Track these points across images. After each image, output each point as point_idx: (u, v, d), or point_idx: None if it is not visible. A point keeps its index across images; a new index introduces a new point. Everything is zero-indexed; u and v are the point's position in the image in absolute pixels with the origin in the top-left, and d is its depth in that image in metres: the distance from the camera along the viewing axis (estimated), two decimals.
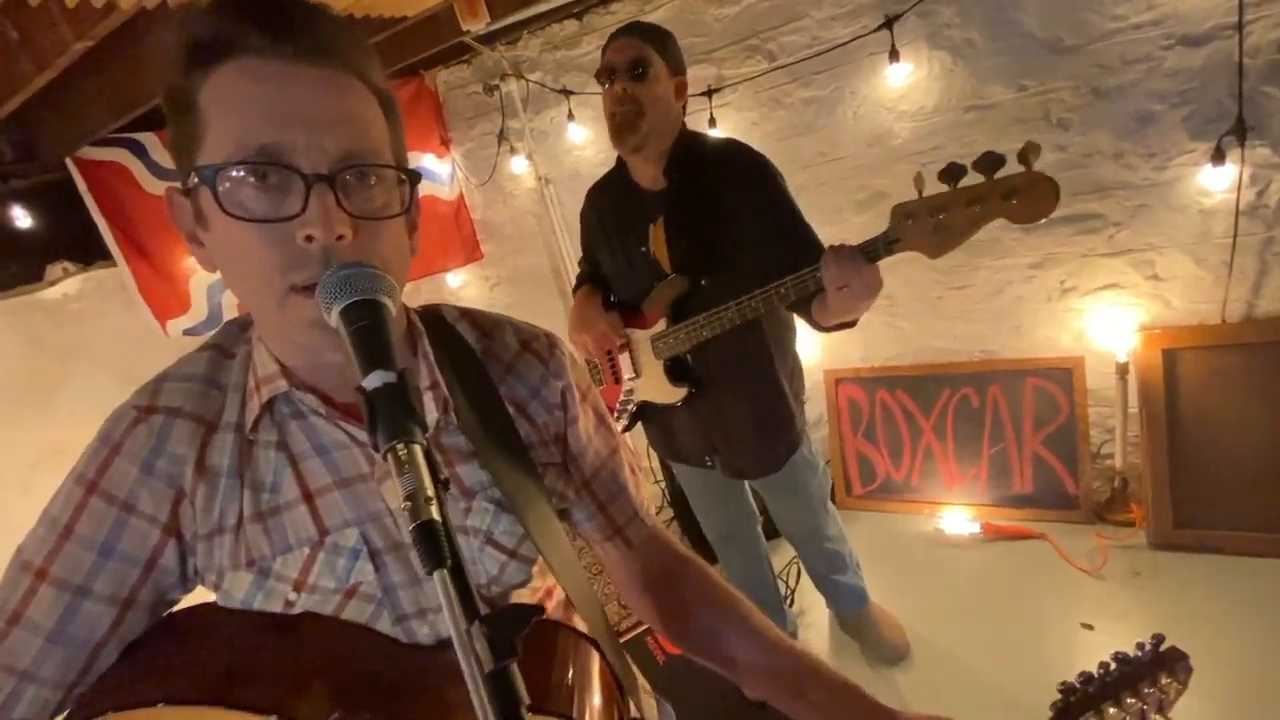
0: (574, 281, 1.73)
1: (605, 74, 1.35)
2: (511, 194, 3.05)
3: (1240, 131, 1.82)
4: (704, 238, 1.38)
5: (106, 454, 0.57)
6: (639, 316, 1.50)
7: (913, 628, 2.06)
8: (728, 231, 1.36)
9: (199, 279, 2.74)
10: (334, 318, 0.46)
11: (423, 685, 0.56)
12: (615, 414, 1.64)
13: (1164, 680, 0.64)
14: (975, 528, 2.40)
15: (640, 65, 1.31)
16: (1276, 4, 1.71)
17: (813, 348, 2.60)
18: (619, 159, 1.49)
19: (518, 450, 0.65)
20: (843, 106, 2.26)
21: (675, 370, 1.48)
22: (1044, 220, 1.03)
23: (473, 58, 2.83)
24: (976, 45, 2.02)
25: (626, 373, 1.57)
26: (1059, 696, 0.64)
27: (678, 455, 1.70)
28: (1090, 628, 1.94)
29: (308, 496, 0.59)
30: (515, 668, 0.35)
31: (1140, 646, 0.66)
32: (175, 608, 0.61)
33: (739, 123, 2.43)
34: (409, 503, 0.37)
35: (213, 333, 0.65)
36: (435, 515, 0.37)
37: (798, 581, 2.36)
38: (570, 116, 2.69)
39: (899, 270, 2.37)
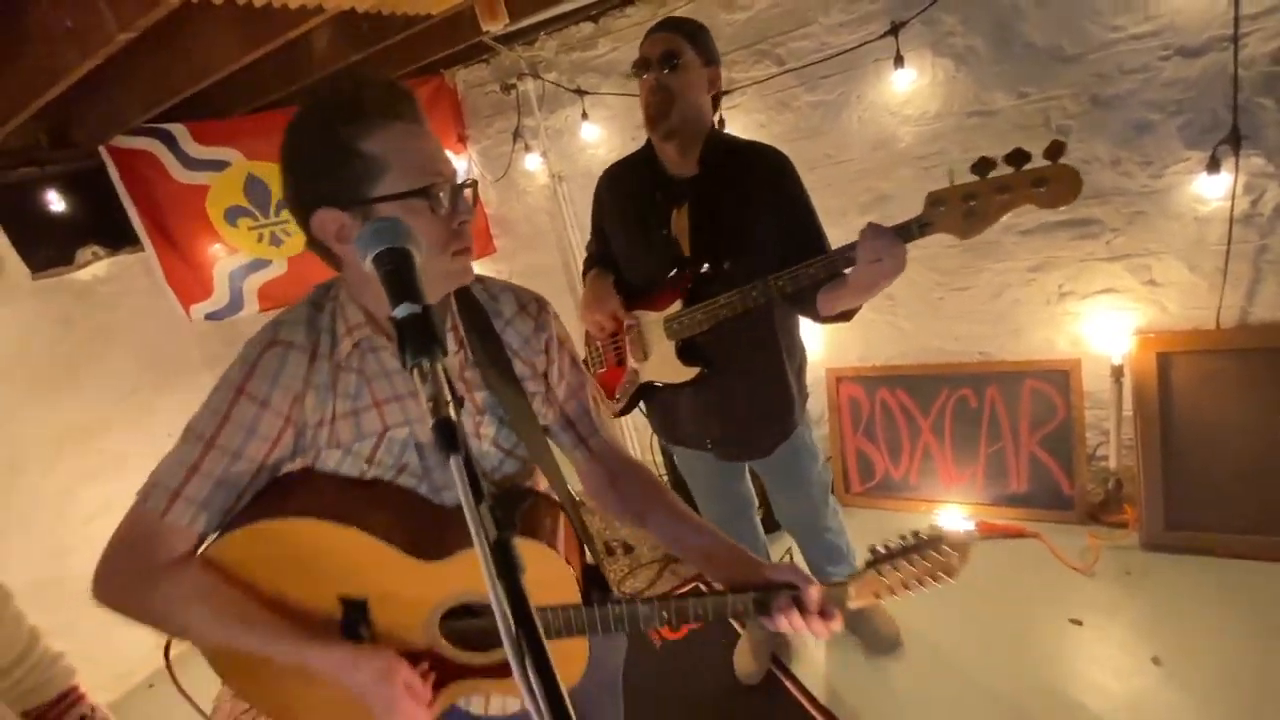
0: (582, 262, 1.78)
1: (640, 66, 1.42)
2: (525, 190, 3.13)
3: (1235, 141, 1.86)
4: (728, 224, 1.45)
5: (248, 370, 0.84)
6: (648, 298, 1.54)
7: (906, 621, 2.10)
8: (753, 221, 1.44)
9: (222, 265, 2.84)
10: (368, 264, 0.58)
11: (447, 527, 0.88)
12: (616, 396, 1.70)
13: (945, 550, 0.86)
14: (970, 525, 2.44)
15: (672, 57, 1.39)
16: (1271, 17, 1.76)
17: (815, 345, 2.65)
18: (648, 143, 1.55)
19: (514, 382, 0.94)
20: (848, 111, 2.32)
21: (687, 351, 1.53)
22: (1063, 208, 1.15)
23: (491, 58, 2.92)
24: (979, 53, 2.08)
25: (633, 356, 1.62)
26: (870, 555, 0.88)
27: (678, 437, 1.75)
28: (1079, 623, 1.99)
29: (377, 404, 0.88)
30: (513, 537, 0.43)
31: (931, 528, 0.88)
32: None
33: (747, 124, 2.50)
34: (430, 404, 0.47)
35: (310, 293, 0.91)
36: (451, 414, 0.47)
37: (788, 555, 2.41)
38: (584, 115, 2.76)
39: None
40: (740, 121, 2.50)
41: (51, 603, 2.56)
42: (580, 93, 2.76)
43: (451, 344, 0.91)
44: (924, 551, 0.85)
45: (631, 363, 1.62)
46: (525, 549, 0.72)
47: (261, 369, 0.83)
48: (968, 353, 2.51)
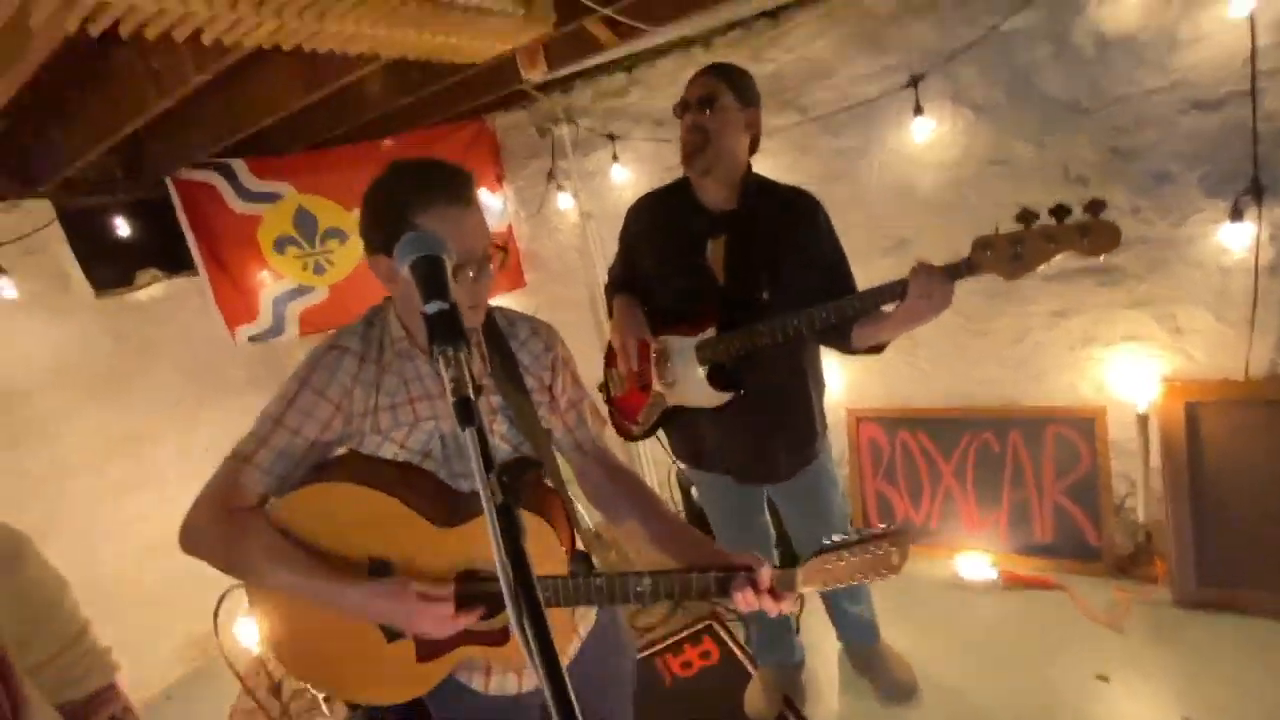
0: (606, 283, 1.83)
1: (680, 107, 1.53)
2: (557, 228, 3.26)
3: (1257, 192, 1.88)
4: (765, 257, 1.52)
5: (312, 366, 1.05)
6: (678, 323, 1.60)
7: (924, 669, 2.05)
8: (788, 256, 1.52)
9: (268, 291, 3.00)
10: (405, 270, 0.67)
11: (462, 503, 1.07)
12: (639, 420, 1.74)
13: (886, 546, 0.96)
14: (993, 574, 2.38)
15: (710, 100, 1.48)
16: None
17: (835, 384, 2.67)
18: (685, 177, 1.63)
19: (524, 391, 1.13)
20: (869, 157, 2.40)
21: (718, 376, 1.57)
22: (1100, 258, 1.25)
23: (530, 104, 3.09)
24: (998, 103, 2.15)
25: (659, 379, 1.66)
26: (817, 546, 0.97)
27: (699, 460, 1.77)
28: (1106, 680, 1.91)
29: (411, 400, 1.07)
30: (517, 506, 0.48)
31: (880, 527, 0.98)
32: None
33: (772, 169, 2.54)
34: (453, 384, 0.55)
35: (365, 313, 1.12)
36: (470, 394, 0.54)
37: (800, 608, 2.38)
38: (615, 159, 2.90)
39: None
40: (764, 165, 2.55)
41: (82, 606, 2.67)
42: (612, 137, 2.89)
43: (476, 356, 1.09)
44: (866, 546, 0.96)
45: (657, 386, 1.66)
46: (524, 519, 0.84)
47: (322, 367, 1.05)
48: (990, 396, 2.50)
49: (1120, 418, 2.24)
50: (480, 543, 1.01)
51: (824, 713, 2.00)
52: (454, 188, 0.96)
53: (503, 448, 1.13)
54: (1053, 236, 1.20)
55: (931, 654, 2.13)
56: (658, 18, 2.16)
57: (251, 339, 2.97)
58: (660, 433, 1.80)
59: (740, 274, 1.53)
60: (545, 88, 2.92)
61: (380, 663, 1.07)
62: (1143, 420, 2.15)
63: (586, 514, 2.13)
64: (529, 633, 0.42)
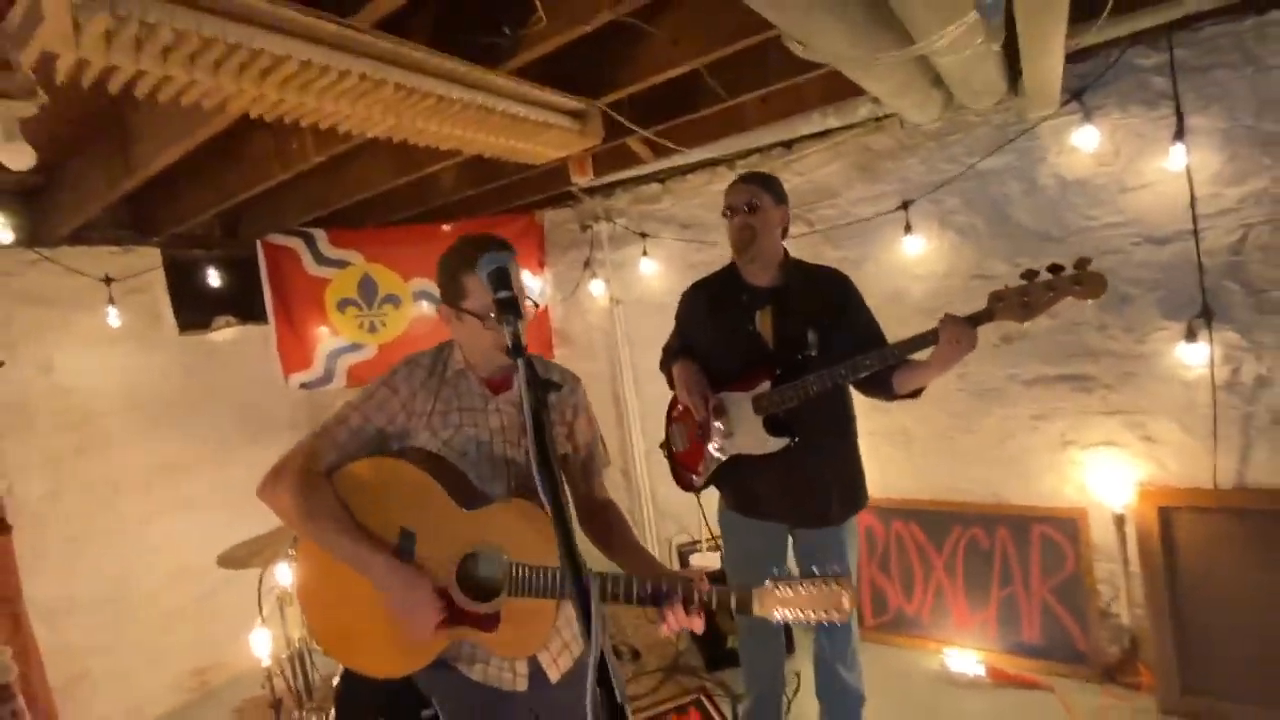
0: (662, 359, 2.11)
1: (729, 211, 1.84)
2: (588, 310, 3.61)
3: (1206, 317, 2.12)
4: (806, 321, 1.81)
5: (392, 373, 1.34)
6: (734, 382, 1.85)
7: None
8: (826, 318, 1.81)
9: (324, 345, 3.34)
10: (484, 277, 1.04)
11: (483, 495, 1.30)
12: (699, 470, 1.94)
13: (837, 588, 1.08)
14: (980, 670, 2.41)
15: (753, 204, 1.82)
16: (1224, 217, 2.09)
17: None
18: (731, 264, 1.97)
19: (546, 428, 1.26)
20: (866, 266, 2.72)
21: (773, 425, 1.80)
22: (1091, 302, 1.56)
23: (575, 203, 3.55)
24: (978, 228, 2.47)
25: (719, 433, 1.87)
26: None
27: (755, 509, 1.91)
28: None
29: (460, 409, 1.33)
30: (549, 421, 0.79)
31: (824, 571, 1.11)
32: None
33: None
34: (513, 339, 0.93)
35: (436, 345, 1.40)
36: (524, 341, 0.88)
37: (795, 693, 2.41)
38: (644, 253, 3.28)
39: (916, 410, 2.64)
40: None
41: (106, 623, 2.82)
42: (644, 235, 3.30)
43: (516, 390, 1.34)
44: (819, 583, 1.09)
45: (716, 440, 1.88)
46: (522, 509, 1.22)
47: (399, 374, 1.34)
48: (980, 493, 2.64)
49: (1101, 519, 2.36)
50: (489, 526, 1.23)
51: None
52: (501, 244, 1.19)
53: (525, 460, 1.33)
54: (1052, 286, 1.48)
55: None
56: (689, 141, 2.59)
57: (303, 385, 3.28)
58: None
59: (787, 336, 1.80)
60: (590, 191, 3.38)
61: (381, 633, 1.24)
62: (1119, 520, 2.27)
63: None
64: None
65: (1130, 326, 2.26)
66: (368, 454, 1.30)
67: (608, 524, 1.40)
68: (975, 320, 1.55)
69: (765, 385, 1.78)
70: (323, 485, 1.25)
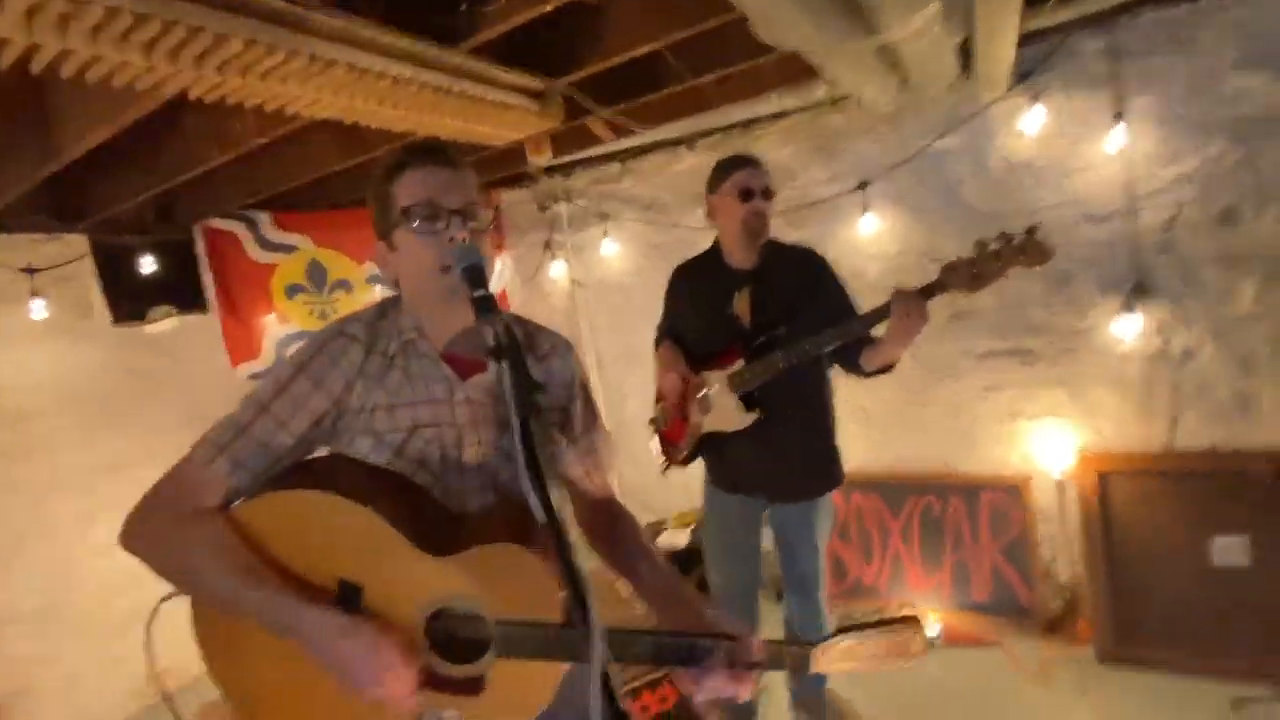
0: (655, 338, 2.13)
1: (746, 194, 1.80)
2: (549, 293, 3.57)
3: (1140, 292, 2.25)
4: (781, 301, 1.83)
5: (314, 352, 0.97)
6: (713, 361, 1.88)
7: None
8: (799, 297, 1.83)
9: (272, 333, 3.21)
10: (456, 271, 0.87)
11: (454, 530, 0.94)
12: (682, 446, 1.98)
13: (909, 632, 0.93)
14: (935, 632, 2.54)
15: (768, 191, 1.83)
16: (1158, 196, 2.20)
17: None
18: (715, 247, 1.97)
19: (536, 411, 1.03)
20: (824, 245, 2.73)
21: (747, 402, 1.84)
22: (1038, 268, 1.55)
23: (533, 183, 3.48)
24: (930, 209, 2.55)
25: (697, 410, 1.92)
26: (839, 626, 0.95)
27: (736, 485, 1.97)
28: None
29: (413, 403, 0.98)
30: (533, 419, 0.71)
31: (895, 612, 0.99)
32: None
33: None
34: (493, 339, 0.78)
35: (379, 301, 1.05)
36: (505, 341, 0.77)
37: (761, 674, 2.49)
38: (605, 234, 3.25)
39: (872, 387, 2.72)
40: None
41: (48, 631, 2.68)
42: (604, 217, 3.26)
43: (492, 367, 0.91)
44: (889, 630, 0.91)
45: (695, 416, 1.93)
46: (510, 556, 0.87)
47: (324, 354, 0.95)
48: (933, 462, 2.75)
49: (1044, 484, 2.50)
50: (466, 579, 0.88)
51: None
52: (424, 152, 0.96)
53: (506, 468, 1.02)
54: (1000, 255, 1.52)
55: (875, 707, 2.25)
56: (650, 121, 2.56)
57: (251, 376, 3.15)
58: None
59: (763, 316, 1.83)
60: (548, 171, 3.32)
61: (333, 707, 0.88)
62: (1061, 487, 2.41)
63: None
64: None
65: (1071, 301, 2.37)
66: (279, 475, 0.93)
67: (617, 535, 1.13)
68: (926, 293, 1.58)
69: (739, 364, 1.82)
70: (213, 528, 0.88)
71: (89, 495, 2.78)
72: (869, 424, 2.89)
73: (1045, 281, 2.39)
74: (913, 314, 1.56)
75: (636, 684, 2.60)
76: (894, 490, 2.81)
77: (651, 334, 2.14)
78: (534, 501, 0.70)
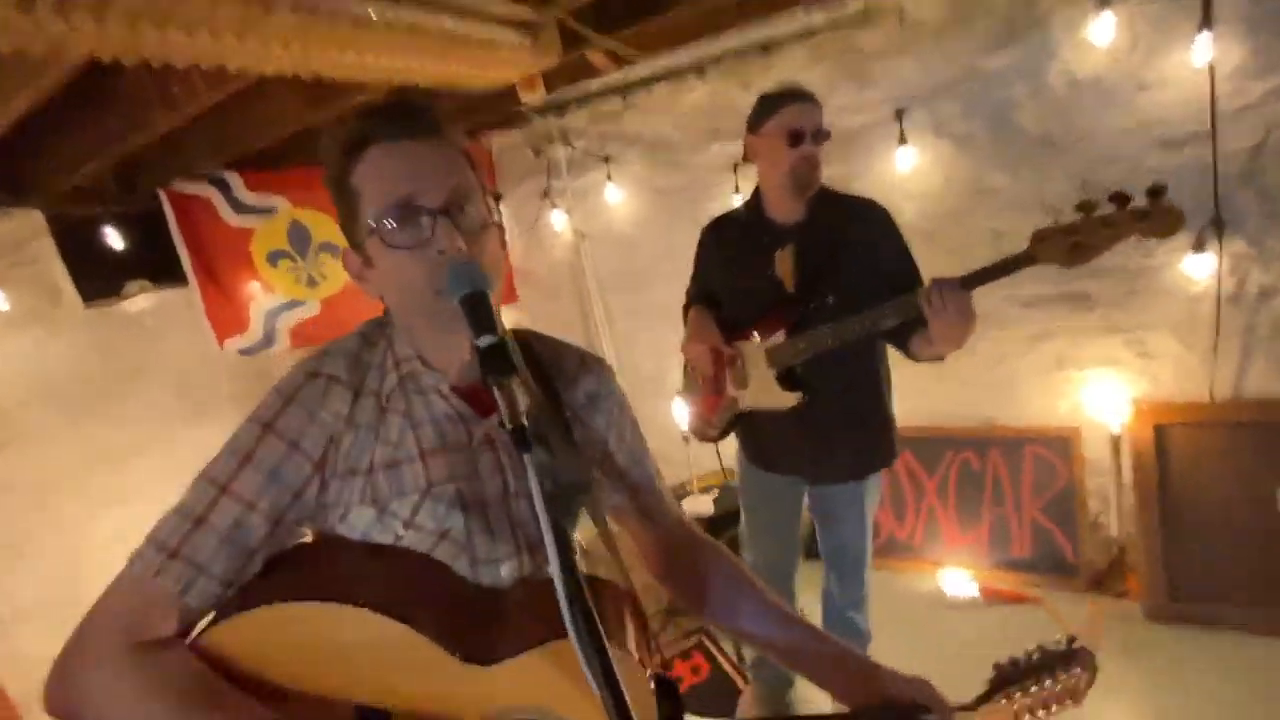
0: (685, 302, 1.89)
1: (792, 135, 1.50)
2: (549, 246, 3.31)
3: (1218, 225, 2.00)
4: (831, 265, 1.58)
5: (281, 404, 0.73)
6: (750, 331, 1.65)
7: None
8: (853, 262, 1.57)
9: (259, 303, 2.99)
10: (455, 301, 0.65)
11: (494, 621, 0.74)
12: (713, 422, 1.79)
13: (1074, 671, 0.80)
14: (974, 590, 2.45)
15: (821, 133, 1.53)
16: (1245, 116, 1.92)
17: None
18: (755, 194, 1.69)
19: (571, 443, 0.83)
20: (854, 184, 2.48)
21: (787, 379, 1.63)
22: (1156, 240, 1.33)
23: (525, 124, 3.15)
24: (977, 138, 2.26)
25: (732, 384, 1.72)
26: (993, 673, 0.81)
27: (771, 463, 1.80)
28: None
29: (422, 455, 0.75)
30: (569, 526, 0.52)
31: (1057, 642, 0.82)
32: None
33: None
34: (509, 411, 0.56)
35: (361, 325, 0.82)
36: (525, 423, 0.56)
37: None
38: (609, 179, 2.96)
39: None
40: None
41: (61, 629, 2.62)
42: (606, 159, 2.96)
43: (521, 394, 0.76)
44: (1052, 672, 0.80)
45: (730, 391, 1.73)
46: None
47: (298, 404, 0.72)
48: (972, 417, 2.58)
49: (1093, 437, 2.34)
50: (522, 688, 0.69)
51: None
52: (389, 119, 0.71)
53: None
54: (1111, 223, 1.24)
55: (913, 666, 2.17)
56: (654, 47, 2.25)
57: (241, 352, 2.96)
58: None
59: (808, 280, 1.59)
60: (541, 110, 2.99)
61: None
62: (1115, 441, 2.25)
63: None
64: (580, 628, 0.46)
65: (1138, 241, 2.12)
66: (256, 580, 0.71)
67: (725, 584, 0.89)
68: (1008, 267, 1.31)
69: (780, 336, 1.59)
70: (175, 666, 0.64)
71: (87, 489, 2.66)
72: (902, 377, 2.68)
73: None
74: (949, 305, 1.29)
75: (667, 654, 2.55)
76: (930, 446, 2.66)
77: (662, 286, 1.91)
78: (541, 512, 0.54)
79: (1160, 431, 2.20)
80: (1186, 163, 2.00)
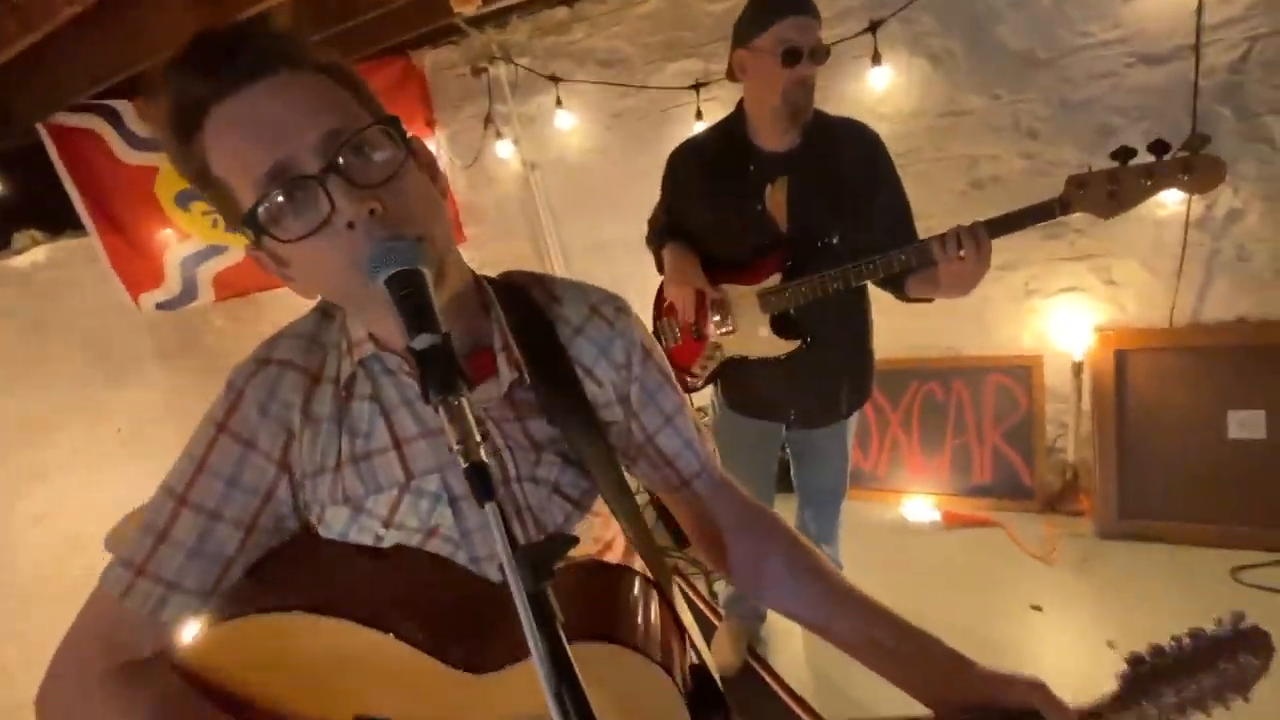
0: (649, 235, 1.72)
1: (790, 56, 1.32)
2: (496, 178, 3.06)
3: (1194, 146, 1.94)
4: (830, 200, 1.44)
5: (233, 399, 0.64)
6: (738, 272, 1.52)
7: None
8: (853, 196, 1.44)
9: (173, 252, 2.70)
10: (379, 286, 0.52)
11: (497, 621, 0.63)
12: (695, 371, 1.68)
13: (1242, 658, 0.62)
14: (936, 515, 2.52)
15: (821, 51, 1.34)
16: (1232, 28, 1.83)
17: None
18: (734, 116, 1.51)
19: (584, 408, 0.71)
20: (825, 107, 2.32)
21: (782, 325, 1.52)
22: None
23: (461, 39, 2.82)
24: (955, 54, 2.11)
25: (719, 329, 1.59)
26: (1126, 668, 0.63)
27: (760, 411, 1.72)
28: (1039, 609, 2.07)
29: (397, 444, 0.66)
30: (550, 590, 0.41)
31: (1218, 622, 0.64)
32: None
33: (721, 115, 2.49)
34: (460, 446, 0.43)
35: (320, 300, 0.70)
36: (484, 458, 0.43)
37: None
38: (558, 103, 2.71)
39: None
40: (717, 114, 2.47)
41: (1, 608, 2.46)
42: (554, 79, 2.69)
43: (505, 367, 0.68)
44: (1213, 664, 0.61)
45: (714, 337, 1.61)
46: (598, 654, 0.56)
47: (249, 397, 0.64)
48: (936, 347, 2.57)
49: (1055, 365, 2.36)
50: (530, 693, 0.59)
51: (788, 659, 2.10)
52: (212, 72, 0.53)
53: (555, 507, 0.70)
54: (1151, 174, 1.17)
55: (879, 592, 2.24)
56: None
57: (159, 306, 2.69)
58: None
59: (805, 218, 1.45)
60: (478, 22, 2.67)
61: None
62: (1077, 368, 2.27)
63: None
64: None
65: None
66: (240, 578, 0.64)
67: (778, 559, 0.75)
68: (1042, 213, 1.24)
69: (775, 278, 1.47)
70: (144, 681, 0.60)
71: (3, 465, 2.43)
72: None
73: (1082, 139, 2.06)
74: (971, 255, 1.22)
75: None
76: (893, 377, 2.65)
77: (620, 218, 1.75)
78: (509, 571, 0.42)
79: (1120, 357, 2.22)
80: (1167, 80, 1.92)
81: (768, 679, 2.03)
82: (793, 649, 2.13)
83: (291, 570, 0.66)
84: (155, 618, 0.61)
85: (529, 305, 0.73)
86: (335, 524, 0.65)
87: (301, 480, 0.65)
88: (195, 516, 0.62)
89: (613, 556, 0.78)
